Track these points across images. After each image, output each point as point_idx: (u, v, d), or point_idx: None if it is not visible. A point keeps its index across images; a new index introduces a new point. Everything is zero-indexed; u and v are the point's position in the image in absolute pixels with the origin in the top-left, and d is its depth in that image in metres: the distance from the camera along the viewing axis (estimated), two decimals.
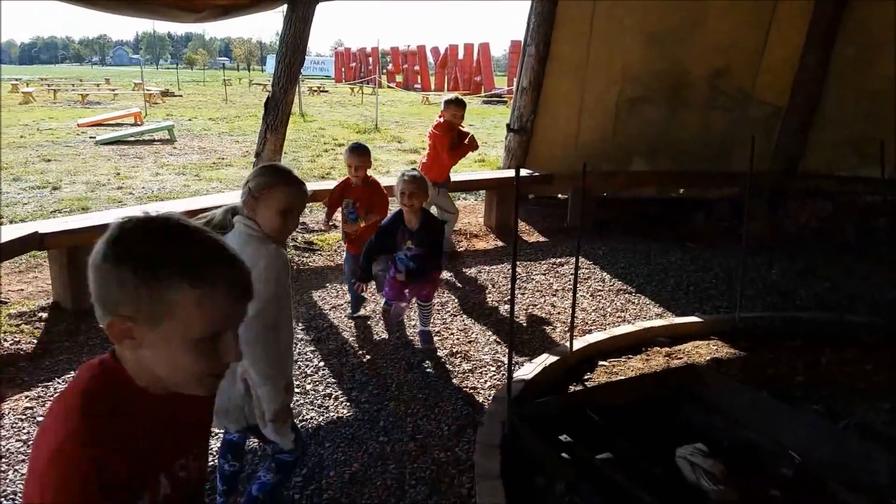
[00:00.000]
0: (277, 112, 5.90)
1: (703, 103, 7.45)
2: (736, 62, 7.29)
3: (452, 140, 5.59)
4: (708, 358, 3.84)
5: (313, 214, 7.02)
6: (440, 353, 3.92)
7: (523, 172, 7.43)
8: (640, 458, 2.46)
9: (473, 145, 5.60)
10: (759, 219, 6.81)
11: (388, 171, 10.73)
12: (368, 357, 3.86)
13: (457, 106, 5.61)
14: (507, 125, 7.88)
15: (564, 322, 4.38)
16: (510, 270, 5.64)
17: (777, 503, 2.27)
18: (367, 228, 4.22)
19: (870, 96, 7.13)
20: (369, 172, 4.33)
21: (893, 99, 7.06)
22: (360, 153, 4.24)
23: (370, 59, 44.45)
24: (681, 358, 3.86)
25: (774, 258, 5.85)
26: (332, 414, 3.26)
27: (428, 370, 3.72)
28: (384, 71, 44.99)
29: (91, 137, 13.76)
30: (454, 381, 3.60)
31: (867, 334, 4.14)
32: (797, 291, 5.06)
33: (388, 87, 38.61)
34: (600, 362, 3.85)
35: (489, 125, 18.56)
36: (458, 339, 4.14)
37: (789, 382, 3.49)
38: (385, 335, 4.16)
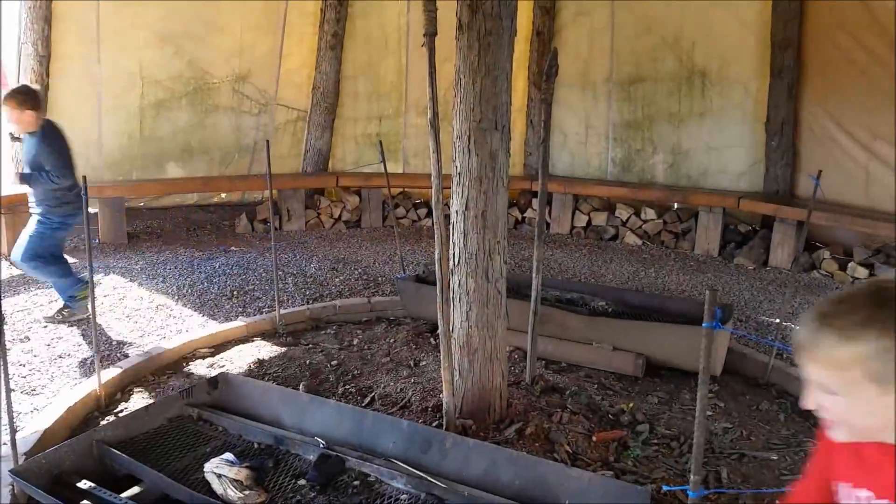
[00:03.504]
0: None
1: (231, 107, 7.49)
2: (256, 67, 7.51)
3: None
4: (251, 360, 3.87)
5: None
6: None
7: None
8: (174, 486, 2.30)
9: None
10: (298, 217, 7.22)
11: None
12: None
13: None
14: (11, 134, 6.73)
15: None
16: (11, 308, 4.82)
17: (304, 490, 2.38)
18: None
19: (378, 98, 8.14)
20: None
21: (395, 100, 8.23)
22: None
23: None
24: (223, 366, 3.80)
25: (314, 252, 6.25)
26: None
27: None
28: None
29: None
30: None
31: (391, 313, 4.75)
32: (333, 281, 5.48)
33: None
34: (136, 388, 3.55)
35: None
36: None
37: (323, 369, 3.74)
38: None
